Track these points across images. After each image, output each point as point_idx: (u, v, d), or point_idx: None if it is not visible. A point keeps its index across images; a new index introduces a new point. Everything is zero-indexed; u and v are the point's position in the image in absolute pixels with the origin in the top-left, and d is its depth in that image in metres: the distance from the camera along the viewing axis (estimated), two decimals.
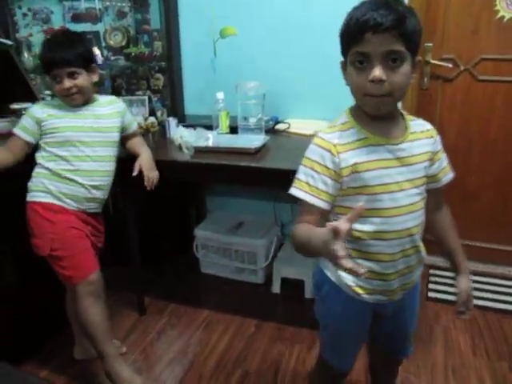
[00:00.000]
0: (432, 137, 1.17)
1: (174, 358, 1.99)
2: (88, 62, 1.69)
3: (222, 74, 2.42)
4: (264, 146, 1.96)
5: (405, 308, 1.32)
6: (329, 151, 1.08)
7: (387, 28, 0.95)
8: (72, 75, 1.63)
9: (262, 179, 1.85)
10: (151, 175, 1.83)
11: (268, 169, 1.81)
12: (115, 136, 1.79)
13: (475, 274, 2.43)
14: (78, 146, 1.67)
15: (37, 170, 1.69)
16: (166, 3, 2.42)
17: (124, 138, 1.88)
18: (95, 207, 1.77)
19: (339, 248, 0.86)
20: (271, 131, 2.22)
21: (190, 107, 2.62)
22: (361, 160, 1.07)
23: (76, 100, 1.67)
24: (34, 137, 1.67)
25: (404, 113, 1.16)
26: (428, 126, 1.18)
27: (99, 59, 2.35)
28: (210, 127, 2.14)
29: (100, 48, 2.42)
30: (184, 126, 2.13)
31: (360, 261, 1.14)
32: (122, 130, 1.84)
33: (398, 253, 1.16)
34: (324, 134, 1.11)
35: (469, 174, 2.35)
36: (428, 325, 2.15)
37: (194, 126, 2.10)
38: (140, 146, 1.91)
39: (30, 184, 1.69)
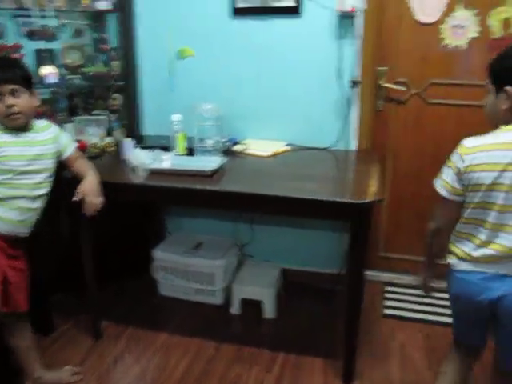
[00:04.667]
0: None
1: (131, 383, 1.95)
2: (29, 85, 1.66)
3: (180, 95, 2.43)
4: (220, 167, 1.96)
5: None
6: None
7: None
8: (13, 94, 1.59)
9: (218, 202, 1.86)
10: (94, 201, 1.78)
11: (223, 192, 1.81)
12: (50, 163, 1.74)
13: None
14: (18, 174, 1.64)
15: None
16: (124, 22, 2.41)
17: (67, 162, 1.83)
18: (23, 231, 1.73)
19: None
20: (229, 153, 2.23)
21: (149, 128, 2.61)
22: None
23: (17, 121, 1.63)
24: None
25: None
26: None
27: (54, 78, 2.31)
28: (167, 148, 2.13)
29: (56, 67, 2.38)
30: (141, 147, 2.11)
31: None
32: (59, 154, 1.79)
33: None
34: None
35: (422, 194, 2.42)
36: (384, 342, 2.18)
37: (151, 147, 2.09)
38: (85, 170, 1.85)
39: None
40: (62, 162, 1.81)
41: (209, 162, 1.95)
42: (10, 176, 1.62)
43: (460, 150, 1.28)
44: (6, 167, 1.61)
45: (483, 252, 1.28)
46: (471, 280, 1.31)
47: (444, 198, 1.32)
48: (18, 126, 1.65)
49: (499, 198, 1.23)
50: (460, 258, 1.34)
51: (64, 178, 1.87)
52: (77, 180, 1.80)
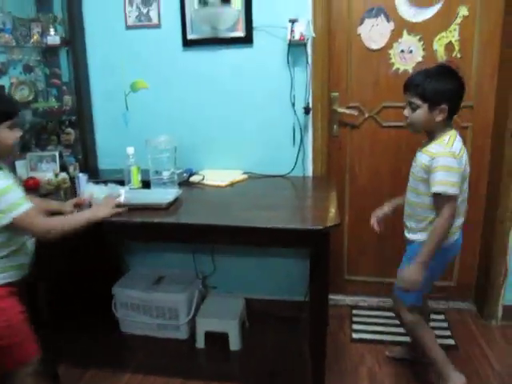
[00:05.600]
0: (431, 157, 1.67)
1: None
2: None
3: (134, 128, 2.41)
4: (176, 199, 1.93)
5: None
6: None
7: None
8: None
9: (175, 234, 1.82)
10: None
11: (179, 224, 1.78)
12: None
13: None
14: None
15: None
16: (75, 57, 2.39)
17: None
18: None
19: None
20: (185, 184, 2.21)
21: (103, 162, 2.56)
22: None
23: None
24: None
25: (441, 138, 1.70)
26: (434, 150, 1.68)
27: None
28: (122, 182, 2.09)
29: None
30: (95, 181, 2.06)
31: None
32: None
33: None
34: None
35: None
36: (353, 367, 2.16)
37: (105, 182, 2.03)
38: (47, 205, 1.80)
39: None
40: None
41: (164, 195, 1.90)
42: None
43: (456, 155, 1.65)
44: None
45: (460, 222, 1.80)
46: (458, 242, 1.84)
47: (454, 196, 1.65)
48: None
49: (466, 185, 1.75)
50: (455, 232, 1.78)
51: None
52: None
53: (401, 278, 1.76)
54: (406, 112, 1.73)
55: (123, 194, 1.91)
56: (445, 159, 1.63)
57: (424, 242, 1.72)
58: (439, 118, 1.67)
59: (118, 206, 1.80)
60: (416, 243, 1.80)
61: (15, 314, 1.59)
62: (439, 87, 1.64)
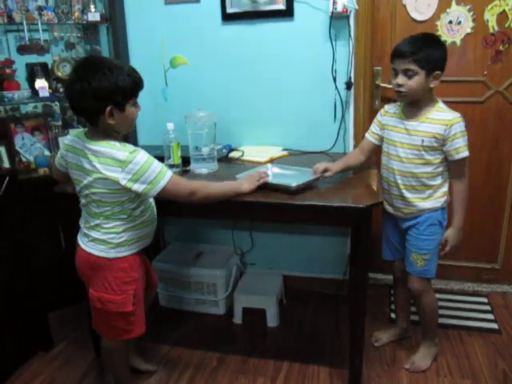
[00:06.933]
0: (446, 125, 1.68)
1: None
2: None
3: (173, 104, 2.41)
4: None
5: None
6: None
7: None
8: None
9: (217, 211, 1.81)
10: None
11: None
12: None
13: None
14: None
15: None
16: (115, 33, 2.39)
17: None
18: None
19: None
20: (225, 160, 2.20)
21: (143, 138, 2.58)
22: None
23: None
24: None
25: (437, 105, 1.74)
26: (449, 117, 1.69)
27: (46, 91, 2.29)
28: (162, 158, 2.10)
29: (48, 80, 2.36)
30: None
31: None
32: None
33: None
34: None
35: None
36: (392, 348, 2.14)
37: None
38: None
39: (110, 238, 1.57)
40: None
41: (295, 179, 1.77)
42: None
43: (463, 121, 1.70)
44: None
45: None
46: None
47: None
48: None
49: None
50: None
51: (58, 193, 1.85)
52: None
53: (448, 243, 1.82)
54: (400, 80, 1.69)
55: (270, 174, 1.86)
56: (461, 124, 1.69)
57: (439, 208, 1.80)
58: (433, 84, 1.69)
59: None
60: (426, 212, 1.81)
61: (142, 284, 1.67)
62: (434, 54, 1.66)
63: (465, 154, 1.70)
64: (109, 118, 1.46)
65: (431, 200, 1.79)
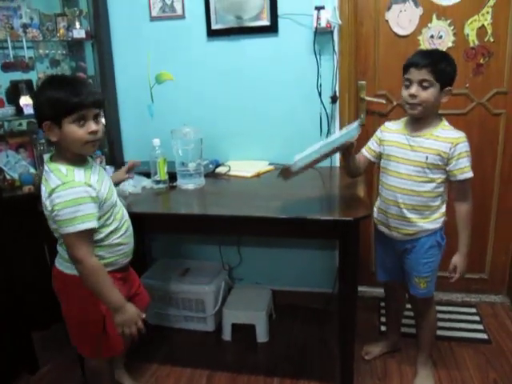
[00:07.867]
0: (451, 143, 1.65)
1: None
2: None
3: (159, 120, 2.41)
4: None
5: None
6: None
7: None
8: (96, 119, 1.47)
9: (204, 226, 1.81)
10: None
11: (207, 215, 1.77)
12: None
13: None
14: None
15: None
16: (100, 50, 2.40)
17: None
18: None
19: None
20: (211, 175, 2.20)
21: (129, 154, 2.57)
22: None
23: (95, 148, 1.51)
24: None
25: (442, 123, 1.71)
26: (454, 136, 1.67)
27: (30, 109, 2.27)
28: (149, 174, 2.09)
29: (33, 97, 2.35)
30: None
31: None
32: None
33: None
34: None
35: None
36: (382, 360, 2.13)
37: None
38: None
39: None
40: None
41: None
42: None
43: (467, 140, 1.68)
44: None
45: None
46: None
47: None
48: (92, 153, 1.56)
49: None
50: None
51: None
52: None
53: (457, 270, 1.78)
54: (415, 90, 1.63)
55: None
56: (466, 144, 1.67)
57: (436, 230, 1.77)
58: (445, 99, 1.67)
59: None
60: (425, 235, 1.77)
61: None
62: (448, 69, 1.64)
63: (469, 174, 1.68)
64: (48, 134, 1.41)
65: (430, 221, 1.75)
